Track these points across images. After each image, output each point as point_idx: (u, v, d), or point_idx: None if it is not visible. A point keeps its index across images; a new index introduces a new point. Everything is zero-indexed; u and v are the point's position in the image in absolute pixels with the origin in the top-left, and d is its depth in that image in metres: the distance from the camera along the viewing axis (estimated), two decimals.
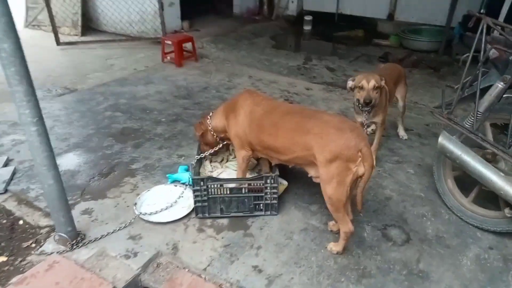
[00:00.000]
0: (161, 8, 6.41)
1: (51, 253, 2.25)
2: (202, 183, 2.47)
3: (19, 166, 3.10)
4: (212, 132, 2.79)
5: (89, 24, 7.31)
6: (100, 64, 5.68)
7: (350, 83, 3.02)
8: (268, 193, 2.54)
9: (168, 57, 5.75)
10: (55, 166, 2.07)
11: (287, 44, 7.43)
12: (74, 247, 2.29)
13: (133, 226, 2.50)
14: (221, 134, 2.78)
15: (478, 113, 2.42)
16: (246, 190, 2.54)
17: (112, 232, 2.42)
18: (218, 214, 2.59)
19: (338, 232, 2.37)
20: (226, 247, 2.37)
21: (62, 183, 2.15)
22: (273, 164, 2.61)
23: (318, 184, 2.25)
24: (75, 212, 2.57)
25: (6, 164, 3.10)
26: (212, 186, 2.50)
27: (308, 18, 8.03)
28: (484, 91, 2.43)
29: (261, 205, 2.60)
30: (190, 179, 2.66)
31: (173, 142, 3.57)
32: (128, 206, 2.68)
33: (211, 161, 3.02)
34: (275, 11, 8.75)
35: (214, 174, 2.87)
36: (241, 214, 2.61)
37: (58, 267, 2.12)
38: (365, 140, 2.11)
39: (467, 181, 2.65)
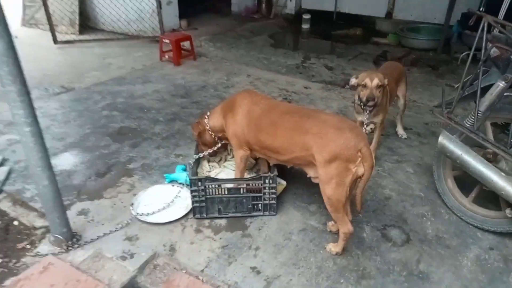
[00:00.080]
0: (159, 6, 6.39)
1: (46, 254, 2.21)
2: (200, 183, 2.44)
3: (14, 166, 3.06)
4: (210, 132, 2.76)
5: (86, 22, 7.26)
6: (97, 63, 5.64)
7: (353, 81, 2.99)
8: (266, 193, 2.52)
9: (166, 56, 5.71)
10: (49, 167, 2.04)
11: (285, 42, 7.41)
12: (70, 248, 2.25)
13: (129, 227, 2.47)
14: (219, 134, 2.75)
15: (479, 112, 2.40)
16: (244, 190, 2.51)
17: (109, 233, 2.40)
18: (216, 215, 2.57)
19: (337, 233, 2.35)
20: (224, 248, 2.35)
21: (57, 183, 2.12)
22: (271, 164, 2.58)
23: (317, 184, 2.23)
24: (71, 213, 2.54)
25: (1, 164, 3.06)
26: (210, 186, 2.47)
27: (306, 16, 7.99)
28: (484, 90, 2.41)
29: (260, 205, 2.57)
30: (187, 179, 2.63)
31: (171, 142, 3.54)
32: (125, 207, 2.65)
33: (209, 161, 2.99)
34: (274, 9, 8.73)
35: (212, 174, 2.84)
36: (239, 214, 2.58)
37: (53, 269, 2.09)
38: (365, 139, 2.09)
39: (467, 181, 2.63)
